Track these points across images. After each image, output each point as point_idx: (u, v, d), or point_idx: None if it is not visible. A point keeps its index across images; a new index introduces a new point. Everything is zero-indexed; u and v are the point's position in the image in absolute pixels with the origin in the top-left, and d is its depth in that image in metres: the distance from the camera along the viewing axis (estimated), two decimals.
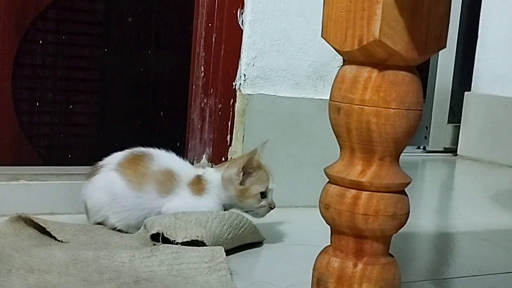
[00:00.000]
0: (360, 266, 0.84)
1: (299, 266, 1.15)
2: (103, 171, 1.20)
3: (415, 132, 0.84)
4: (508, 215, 1.73)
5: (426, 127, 2.52)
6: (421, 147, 2.55)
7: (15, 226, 1.15)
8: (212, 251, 1.08)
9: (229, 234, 1.17)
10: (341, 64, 1.53)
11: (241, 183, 1.21)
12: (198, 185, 1.22)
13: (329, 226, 0.88)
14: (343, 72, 0.83)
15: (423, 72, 2.55)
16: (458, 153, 2.55)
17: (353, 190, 0.83)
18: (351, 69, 0.82)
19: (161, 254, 1.06)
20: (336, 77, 0.85)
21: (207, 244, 1.11)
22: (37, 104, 1.37)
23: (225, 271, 1.05)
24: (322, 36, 0.85)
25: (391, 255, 0.87)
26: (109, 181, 1.19)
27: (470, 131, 2.51)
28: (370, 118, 0.80)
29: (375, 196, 0.82)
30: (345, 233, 0.84)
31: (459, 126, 2.55)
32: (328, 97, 1.49)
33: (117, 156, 1.21)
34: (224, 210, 1.23)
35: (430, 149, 2.53)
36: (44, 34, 1.37)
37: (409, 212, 0.85)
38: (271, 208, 1.24)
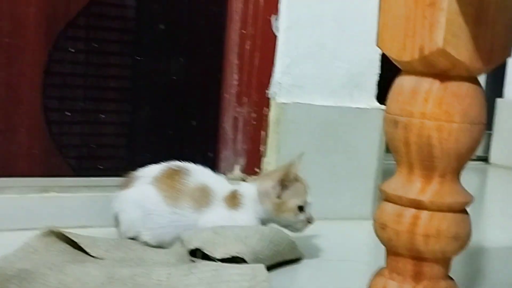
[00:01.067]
0: None
1: (342, 284, 1.11)
2: (138, 184, 1.15)
3: (478, 147, 0.78)
4: None
5: None
6: None
7: (46, 241, 1.10)
8: (253, 269, 1.02)
9: (269, 250, 1.12)
10: (378, 72, 1.53)
11: (278, 197, 1.17)
12: (233, 199, 1.17)
13: (384, 247, 0.82)
14: (400, 83, 0.78)
15: None
16: (490, 161, 2.48)
17: (413, 210, 0.77)
18: (410, 80, 0.77)
19: (200, 271, 1.00)
20: (392, 88, 0.79)
21: (247, 261, 1.06)
22: (68, 114, 1.33)
23: None
24: (377, 45, 0.79)
25: (451, 278, 0.81)
26: (144, 195, 1.14)
27: (502, 138, 2.44)
28: (431, 133, 0.75)
29: (436, 215, 0.76)
30: (403, 254, 0.79)
31: (491, 133, 2.48)
32: (364, 106, 1.52)
33: (154, 169, 1.16)
34: (262, 224, 1.19)
35: None
36: (74, 42, 1.32)
37: (471, 233, 0.79)
38: (310, 223, 1.19)
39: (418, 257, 0.78)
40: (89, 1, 1.32)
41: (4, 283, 0.91)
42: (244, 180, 1.36)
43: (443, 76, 0.75)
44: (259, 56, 1.43)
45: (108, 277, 0.97)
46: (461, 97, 0.75)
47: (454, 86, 0.75)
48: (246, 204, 1.17)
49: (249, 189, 1.19)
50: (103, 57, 1.36)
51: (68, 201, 1.26)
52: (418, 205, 0.77)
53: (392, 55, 0.77)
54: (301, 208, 1.17)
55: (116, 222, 1.18)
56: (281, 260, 1.15)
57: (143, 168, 1.17)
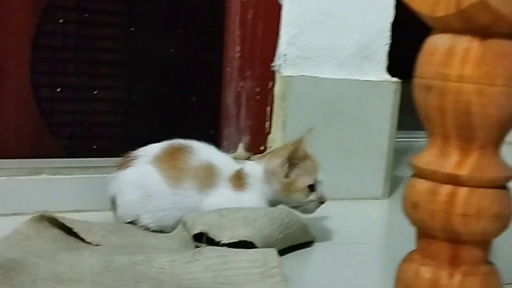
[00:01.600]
0: (457, 277, 0.69)
1: (358, 268, 1.04)
2: (137, 164, 1.08)
3: None
4: None
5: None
6: None
7: (37, 227, 1.02)
8: (264, 254, 0.93)
9: (279, 233, 1.04)
10: (389, 42, 1.43)
11: (286, 176, 1.08)
12: (239, 180, 1.09)
13: (414, 228, 0.73)
14: (433, 43, 0.68)
15: None
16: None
17: (449, 186, 0.68)
18: (444, 38, 0.67)
19: (206, 258, 0.92)
20: (423, 49, 0.69)
21: (256, 245, 0.97)
22: (58, 90, 1.24)
23: (280, 277, 0.90)
24: (405, 1, 0.69)
25: (491, 263, 0.72)
26: (144, 175, 1.06)
27: None
28: (470, 98, 0.65)
29: (476, 192, 0.67)
30: (438, 237, 0.69)
31: None
32: (375, 78, 1.42)
33: (154, 148, 1.09)
34: (270, 206, 1.11)
35: None
36: (64, 13, 1.23)
37: None
38: (321, 203, 1.10)
39: (455, 240, 0.69)
40: None
41: None
42: (248, 159, 1.28)
43: (483, 33, 0.65)
44: (262, 26, 1.35)
45: (105, 265, 0.89)
46: (505, 57, 0.65)
47: (496, 45, 0.65)
48: (252, 185, 1.09)
49: (255, 168, 1.10)
50: (96, 29, 1.27)
51: (61, 184, 1.19)
52: (455, 181, 0.67)
53: (424, 10, 0.67)
54: (311, 188, 1.09)
55: (113, 205, 1.11)
56: (292, 244, 1.07)
57: (142, 147, 1.10)
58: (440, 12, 0.66)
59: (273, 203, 1.10)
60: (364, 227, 1.27)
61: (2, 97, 1.20)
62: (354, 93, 1.39)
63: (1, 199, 1.14)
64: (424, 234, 0.71)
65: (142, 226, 1.07)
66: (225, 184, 1.08)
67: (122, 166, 1.09)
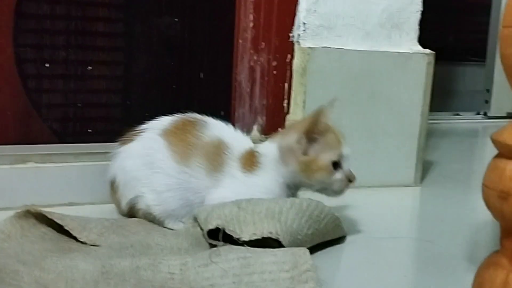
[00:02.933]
0: None
1: (397, 268, 0.92)
2: (144, 137, 0.97)
3: None
4: None
5: (487, 90, 2.26)
6: (482, 113, 2.31)
7: (22, 224, 0.91)
8: (294, 255, 0.80)
9: (309, 228, 0.90)
10: (421, 9, 1.28)
11: (305, 153, 0.94)
12: (250, 160, 0.96)
13: (500, 224, 0.57)
14: None
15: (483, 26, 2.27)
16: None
17: None
18: None
19: (224, 260, 0.78)
20: None
21: (283, 243, 0.84)
22: (47, 65, 1.12)
23: (313, 283, 0.76)
24: None
25: None
26: (151, 149, 0.96)
27: None
28: None
29: None
30: None
31: None
32: (405, 50, 1.26)
33: (164, 121, 0.99)
34: (290, 192, 0.97)
35: (491, 115, 2.28)
36: None
37: None
38: (350, 181, 0.96)
39: None
40: None
41: None
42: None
43: None
44: None
45: (103, 271, 0.77)
46: None
47: None
48: (265, 165, 0.96)
49: (269, 147, 0.97)
50: None
51: (51, 173, 1.07)
52: None
53: None
54: (336, 165, 0.95)
55: (112, 190, 1.00)
56: (322, 241, 0.94)
57: (151, 120, 1.01)
58: None
59: (292, 187, 0.97)
60: (398, 219, 1.16)
61: None
62: (382, 67, 1.26)
63: None
64: None
65: (144, 210, 0.96)
66: (234, 165, 0.95)
67: (125, 141, 0.99)
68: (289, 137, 0.95)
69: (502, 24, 0.54)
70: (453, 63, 2.55)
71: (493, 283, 0.55)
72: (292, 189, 0.97)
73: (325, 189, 0.96)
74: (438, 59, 1.33)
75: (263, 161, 0.96)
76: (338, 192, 0.96)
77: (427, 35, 1.33)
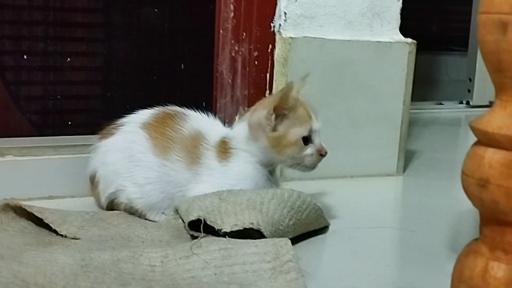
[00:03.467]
0: None
1: (387, 259, 0.91)
2: (124, 130, 0.96)
3: None
4: None
5: (470, 79, 2.24)
6: (464, 102, 2.29)
7: (1, 218, 0.90)
8: (275, 246, 0.80)
9: (290, 219, 0.90)
10: None
11: (274, 129, 0.93)
12: (223, 147, 0.95)
13: (480, 212, 0.57)
14: None
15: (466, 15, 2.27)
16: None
17: None
18: None
19: (205, 252, 0.78)
20: None
21: (265, 234, 0.83)
22: (25, 57, 1.10)
23: (295, 273, 0.76)
24: None
25: None
26: (131, 143, 0.95)
27: None
28: None
29: None
30: None
31: None
32: (387, 39, 1.25)
33: (144, 114, 0.98)
34: (266, 171, 0.96)
35: (474, 104, 2.26)
36: None
37: None
38: (322, 155, 0.95)
39: None
40: None
41: None
42: None
43: None
44: None
45: (82, 265, 0.75)
46: None
47: None
48: (237, 150, 0.95)
49: (239, 129, 0.97)
50: None
51: (30, 166, 1.05)
52: None
53: None
54: (307, 140, 0.94)
55: (92, 184, 0.99)
56: (304, 232, 0.93)
57: (131, 114, 0.99)
58: None
59: (266, 165, 0.96)
60: (380, 209, 1.15)
61: None
62: (364, 56, 1.25)
63: None
64: (494, 220, 0.54)
65: (125, 203, 0.95)
66: (211, 155, 0.95)
67: (105, 135, 0.97)
68: (258, 113, 0.94)
69: (480, 10, 0.53)
70: (436, 53, 2.55)
71: (473, 270, 0.55)
72: (268, 167, 0.96)
73: (298, 165, 0.95)
74: (421, 49, 1.32)
75: (235, 145, 0.95)
76: (310, 167, 0.96)
77: (410, 24, 1.32)
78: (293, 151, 0.93)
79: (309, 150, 0.94)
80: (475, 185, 0.54)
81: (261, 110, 0.94)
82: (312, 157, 0.94)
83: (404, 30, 1.29)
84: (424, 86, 2.19)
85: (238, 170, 0.94)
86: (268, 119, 0.92)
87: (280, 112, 0.93)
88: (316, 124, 0.94)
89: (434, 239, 0.95)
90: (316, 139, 0.95)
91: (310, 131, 0.94)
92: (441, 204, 1.12)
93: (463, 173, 0.56)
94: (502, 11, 0.51)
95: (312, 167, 0.95)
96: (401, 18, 1.29)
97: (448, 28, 2.70)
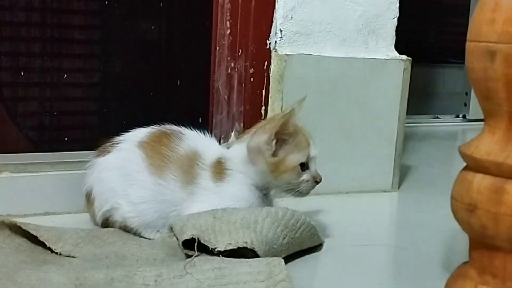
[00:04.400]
0: None
1: (380, 278, 0.90)
2: (120, 149, 0.96)
3: None
4: None
5: (466, 93, 2.25)
6: (461, 116, 2.29)
7: None
8: (269, 265, 0.79)
9: (284, 238, 0.89)
10: (397, 15, 1.27)
11: (274, 154, 0.93)
12: (219, 167, 0.95)
13: (469, 236, 0.57)
14: None
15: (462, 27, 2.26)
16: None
17: None
18: None
19: (199, 271, 0.78)
20: (481, 3, 0.54)
21: (258, 253, 0.83)
22: (22, 73, 1.10)
23: None
24: None
25: None
26: (127, 161, 0.94)
27: None
28: None
29: None
30: (503, 248, 0.54)
31: None
32: (382, 56, 1.25)
33: (140, 132, 0.97)
34: (261, 193, 0.96)
35: (471, 118, 2.26)
36: None
37: None
38: (317, 182, 0.96)
39: None
40: None
41: None
42: None
43: None
44: None
45: (77, 284, 0.75)
46: None
47: None
48: (233, 171, 0.95)
49: (236, 150, 0.97)
50: (65, 2, 1.13)
51: (27, 182, 1.04)
52: None
53: None
54: (304, 166, 0.95)
55: (88, 201, 0.99)
56: (298, 250, 0.93)
57: (127, 132, 0.99)
58: None
59: (261, 189, 0.96)
60: (375, 225, 1.14)
61: None
62: (359, 73, 1.25)
63: None
64: (483, 244, 0.55)
65: (120, 221, 0.94)
66: (206, 174, 0.94)
67: (102, 152, 0.97)
68: (258, 137, 0.94)
69: (468, 38, 0.54)
70: (433, 65, 2.55)
71: None
72: (263, 190, 0.96)
73: (292, 190, 0.95)
74: (418, 61, 1.33)
75: (231, 166, 0.95)
76: (304, 193, 0.96)
77: (407, 37, 1.33)
78: (291, 177, 0.94)
79: (306, 176, 0.95)
80: (463, 210, 0.55)
81: (261, 135, 0.93)
82: (308, 184, 0.95)
83: (401, 42, 1.29)
84: (420, 99, 2.19)
85: (233, 191, 0.93)
86: (269, 144, 0.93)
87: (280, 138, 0.93)
88: (313, 151, 0.95)
89: (427, 257, 0.95)
90: (312, 166, 0.95)
91: (308, 157, 0.95)
92: (436, 221, 1.12)
93: (452, 197, 0.56)
94: (490, 40, 0.52)
95: (306, 193, 0.96)
96: (398, 30, 1.28)
97: (445, 40, 2.70)
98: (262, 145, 0.93)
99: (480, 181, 0.53)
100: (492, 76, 0.52)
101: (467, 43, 0.54)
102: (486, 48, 0.52)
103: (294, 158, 0.94)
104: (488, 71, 0.52)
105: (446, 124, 2.24)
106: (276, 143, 0.93)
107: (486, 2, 0.52)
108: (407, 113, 1.31)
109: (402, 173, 1.36)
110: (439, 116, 2.30)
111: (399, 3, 1.28)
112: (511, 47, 0.50)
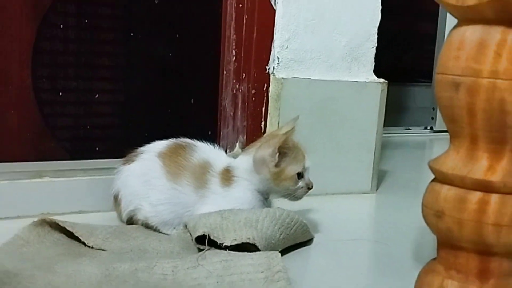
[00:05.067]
0: None
1: (361, 269, 0.90)
2: (143, 158, 0.95)
3: None
4: None
5: (433, 108, 2.23)
6: (428, 128, 2.27)
7: (39, 231, 0.87)
8: (268, 258, 0.78)
9: (281, 234, 0.88)
10: (375, 45, 1.27)
11: (276, 165, 0.93)
12: (226, 175, 0.94)
13: (437, 237, 0.57)
14: (460, 36, 0.52)
15: (430, 52, 2.27)
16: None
17: (479, 193, 0.52)
18: (474, 30, 0.51)
19: (209, 263, 0.77)
20: (448, 43, 0.53)
21: (259, 247, 0.82)
22: (60, 94, 1.09)
23: (285, 281, 0.75)
24: None
25: None
26: (148, 169, 0.94)
27: None
28: (505, 95, 0.49)
29: (509, 200, 0.52)
30: (466, 248, 0.54)
31: None
32: (363, 79, 1.25)
33: (159, 144, 0.96)
34: (262, 197, 0.96)
35: (437, 129, 2.24)
36: (64, 18, 1.08)
37: None
38: (309, 189, 0.96)
39: (485, 251, 0.53)
40: None
41: None
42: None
43: None
44: (256, 31, 1.18)
45: (106, 274, 0.74)
46: None
47: None
48: (239, 178, 0.94)
49: (241, 159, 0.96)
50: (95, 34, 1.12)
51: (64, 186, 1.02)
52: (486, 187, 0.52)
53: (450, 0, 0.51)
54: (299, 175, 0.95)
55: (115, 202, 0.97)
56: (292, 244, 0.92)
57: (149, 144, 0.98)
58: (471, 1, 0.49)
59: (263, 193, 0.96)
60: (357, 223, 1.13)
61: (4, 101, 1.06)
62: (343, 94, 1.23)
63: (4, 203, 0.98)
64: (449, 244, 0.55)
65: (142, 220, 0.94)
66: (216, 181, 0.94)
67: (127, 161, 0.96)
68: (263, 150, 0.93)
69: (437, 71, 0.54)
70: (405, 85, 2.54)
71: (431, 286, 0.56)
72: (264, 194, 0.95)
73: (289, 195, 0.95)
74: (393, 81, 1.32)
75: (237, 174, 0.94)
76: (298, 198, 0.96)
77: (384, 60, 1.32)
78: (289, 184, 0.94)
79: (301, 183, 0.94)
80: (432, 216, 0.55)
81: (266, 148, 0.93)
82: (302, 190, 0.95)
83: (380, 65, 1.28)
84: (394, 114, 2.18)
85: (239, 195, 0.93)
86: (273, 156, 0.92)
87: (282, 151, 0.93)
88: (307, 163, 0.95)
89: (402, 250, 0.94)
90: (306, 175, 0.95)
91: (303, 168, 0.94)
92: (409, 219, 1.10)
93: (423, 204, 0.56)
94: (455, 73, 0.52)
95: (300, 197, 0.96)
96: (377, 56, 1.27)
97: (416, 63, 2.70)
98: (266, 157, 0.93)
99: (447, 191, 0.53)
100: (457, 104, 0.52)
101: (436, 75, 0.54)
102: (452, 80, 0.52)
103: (292, 169, 0.94)
104: (454, 99, 0.52)
105: (416, 134, 2.22)
106: (279, 155, 0.93)
107: (452, 42, 0.53)
108: (384, 126, 1.31)
109: (380, 177, 1.34)
110: (410, 128, 2.27)
111: (377, 34, 1.26)
112: (473, 79, 0.50)
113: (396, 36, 2.44)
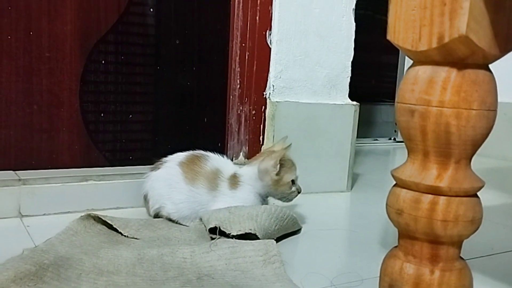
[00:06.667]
0: (437, 272, 0.54)
1: (339, 252, 0.90)
2: (166, 166, 0.95)
3: (489, 134, 0.54)
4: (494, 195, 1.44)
5: (395, 123, 2.23)
6: (392, 138, 2.28)
7: (85, 223, 0.88)
8: (266, 245, 0.79)
9: (275, 226, 0.89)
10: (349, 75, 1.29)
11: (277, 174, 0.94)
12: (234, 180, 0.94)
13: (398, 230, 0.58)
14: (415, 73, 0.53)
15: (393, 78, 2.27)
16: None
17: (430, 196, 0.53)
18: (425, 69, 0.52)
19: (219, 249, 0.78)
20: (406, 78, 0.54)
21: (258, 236, 0.83)
22: (102, 115, 1.09)
23: (279, 263, 0.76)
24: (388, 38, 0.54)
25: (462, 259, 0.57)
26: (170, 175, 0.93)
27: None
28: (450, 120, 0.50)
29: (453, 201, 0.52)
30: (420, 238, 0.54)
31: None
32: (340, 102, 1.27)
33: (180, 156, 0.96)
34: (262, 199, 0.96)
35: (399, 140, 2.26)
36: (105, 55, 1.08)
37: (482, 215, 0.55)
38: (299, 192, 0.97)
39: (435, 241, 0.54)
40: (116, 20, 1.07)
41: (40, 271, 0.66)
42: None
43: (460, 64, 0.50)
44: (256, 64, 1.19)
45: (138, 258, 0.75)
46: (479, 84, 0.50)
47: (472, 74, 0.50)
48: (244, 183, 0.94)
49: (248, 170, 0.96)
50: (130, 68, 1.12)
51: (104, 188, 1.03)
52: (435, 191, 0.52)
53: (406, 45, 0.52)
54: (292, 182, 0.96)
55: (145, 201, 0.97)
56: (284, 233, 0.93)
57: (171, 155, 0.98)
58: (422, 47, 0.51)
59: (263, 195, 0.96)
60: (336, 216, 1.13)
61: (57, 121, 1.05)
62: (324, 113, 1.24)
63: (58, 201, 0.99)
64: (407, 235, 0.55)
65: (166, 215, 0.94)
66: (225, 184, 0.94)
67: (154, 168, 0.96)
68: (267, 162, 0.94)
69: (396, 100, 0.55)
70: (373, 104, 2.55)
71: (393, 268, 0.56)
72: (263, 196, 0.96)
73: (283, 197, 0.96)
74: (364, 101, 1.32)
75: (243, 180, 0.94)
76: (291, 200, 0.97)
77: (357, 85, 1.32)
78: (285, 189, 0.94)
79: (293, 188, 0.95)
80: (394, 213, 0.55)
81: (269, 161, 0.93)
82: (294, 193, 0.95)
83: (354, 89, 1.28)
84: (365, 127, 2.19)
85: (243, 196, 0.93)
86: (275, 167, 0.93)
87: (281, 163, 0.93)
88: (297, 172, 0.96)
89: (371, 238, 0.95)
90: (297, 181, 0.96)
91: (295, 177, 0.95)
92: (377, 213, 1.11)
93: (387, 204, 0.57)
94: (411, 103, 0.52)
95: (291, 200, 0.97)
96: (352, 82, 1.28)
97: (381, 87, 2.71)
98: (269, 168, 0.93)
99: (405, 194, 0.54)
100: (412, 126, 0.52)
101: (396, 104, 0.55)
102: (408, 108, 0.52)
103: (288, 177, 0.94)
104: (410, 123, 0.53)
105: (382, 144, 2.24)
106: (279, 166, 0.94)
107: (408, 78, 0.54)
108: (356, 137, 1.32)
109: (353, 179, 1.35)
110: (377, 139, 2.29)
111: (351, 66, 1.28)
112: (425, 107, 0.51)
113: (366, 66, 2.45)
